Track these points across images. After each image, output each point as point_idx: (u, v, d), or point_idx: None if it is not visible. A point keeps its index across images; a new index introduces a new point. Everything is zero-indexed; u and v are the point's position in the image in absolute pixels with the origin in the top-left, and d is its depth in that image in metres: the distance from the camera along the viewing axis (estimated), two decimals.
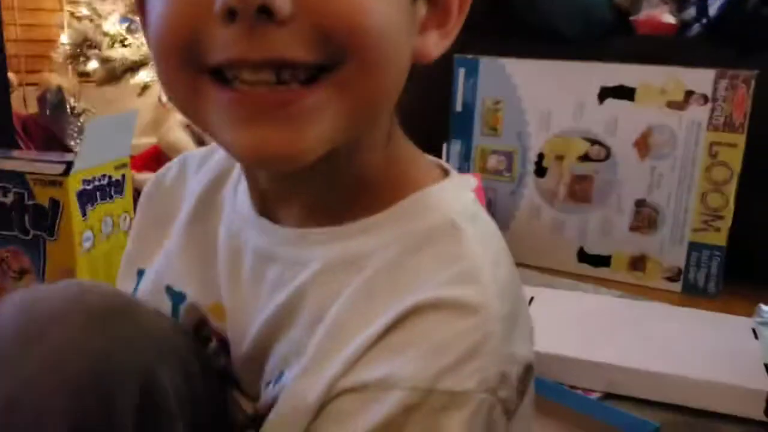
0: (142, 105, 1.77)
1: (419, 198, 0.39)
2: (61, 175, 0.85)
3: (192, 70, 0.33)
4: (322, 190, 0.39)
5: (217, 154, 0.47)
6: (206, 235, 0.45)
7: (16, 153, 0.94)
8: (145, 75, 1.59)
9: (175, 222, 0.47)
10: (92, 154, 0.89)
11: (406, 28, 0.36)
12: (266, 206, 0.42)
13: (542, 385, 0.80)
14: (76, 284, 0.39)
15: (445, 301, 0.34)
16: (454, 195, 0.40)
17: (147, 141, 1.92)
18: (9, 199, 0.87)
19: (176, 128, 1.56)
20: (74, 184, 0.86)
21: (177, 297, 0.45)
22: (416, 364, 0.33)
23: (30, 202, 0.87)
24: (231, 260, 0.43)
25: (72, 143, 1.45)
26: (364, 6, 0.32)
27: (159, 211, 0.49)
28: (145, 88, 1.63)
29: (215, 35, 0.31)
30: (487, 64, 1.38)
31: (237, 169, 0.45)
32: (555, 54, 1.34)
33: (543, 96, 1.34)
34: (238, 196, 0.44)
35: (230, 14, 0.30)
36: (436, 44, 0.39)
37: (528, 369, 0.37)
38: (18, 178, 0.86)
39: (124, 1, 1.60)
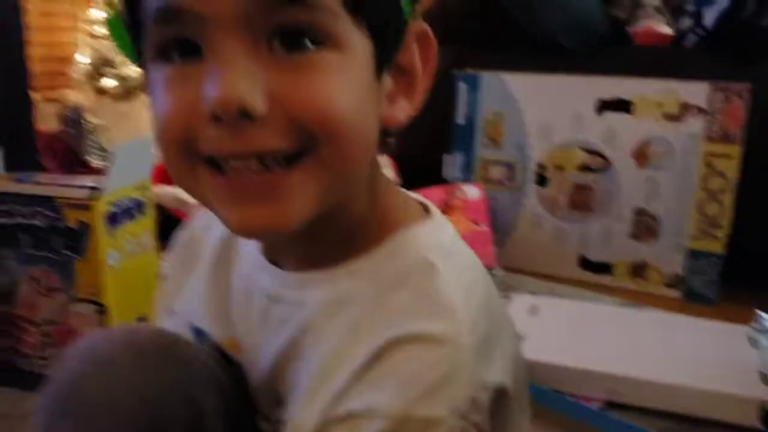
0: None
1: (398, 239, 0.43)
2: (89, 199, 0.90)
3: (189, 158, 0.38)
4: (313, 242, 0.43)
5: None
6: (224, 278, 0.50)
7: (46, 177, 0.99)
8: None
9: (200, 265, 0.52)
10: (118, 178, 0.94)
11: (373, 105, 0.40)
12: (272, 253, 0.47)
13: (543, 394, 0.85)
14: (126, 329, 0.44)
15: (417, 335, 0.38)
16: (430, 233, 0.44)
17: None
18: (41, 222, 0.93)
19: None
20: (102, 207, 0.91)
21: (200, 334, 0.51)
22: (392, 394, 0.37)
23: (60, 225, 0.92)
24: (244, 300, 0.48)
25: (90, 158, 1.51)
26: (330, 97, 0.36)
27: (188, 256, 0.54)
28: None
29: (206, 132, 0.36)
30: (487, 78, 1.43)
31: None
32: (554, 67, 1.38)
33: (542, 109, 1.39)
34: (250, 243, 0.49)
35: (215, 118, 0.35)
36: (403, 110, 0.42)
37: (501, 392, 0.40)
38: (49, 202, 0.92)
39: None
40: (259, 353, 0.46)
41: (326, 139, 0.37)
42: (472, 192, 1.39)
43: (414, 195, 0.48)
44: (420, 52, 0.42)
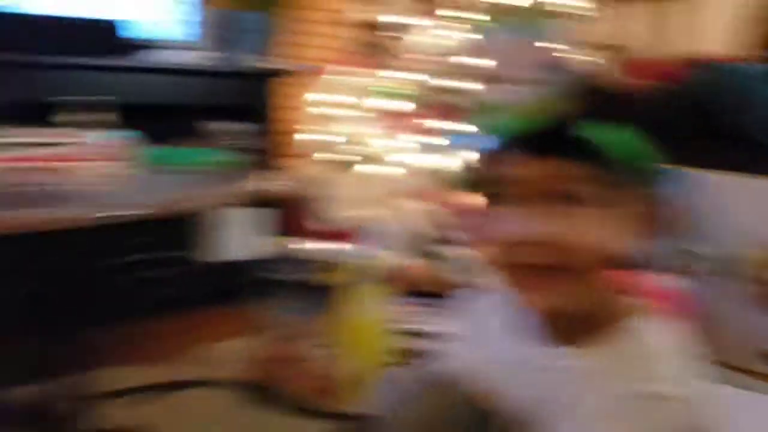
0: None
1: (622, 328, 0.63)
2: (340, 265, 1.09)
3: (506, 262, 0.62)
4: (567, 327, 0.63)
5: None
6: (504, 349, 0.69)
7: (306, 243, 1.21)
8: None
9: (484, 339, 0.71)
10: (363, 250, 1.13)
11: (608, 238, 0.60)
12: (542, 335, 0.66)
13: None
14: (423, 376, 0.70)
15: (656, 393, 0.58)
16: (644, 324, 0.63)
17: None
18: (298, 279, 1.13)
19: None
20: (349, 273, 1.09)
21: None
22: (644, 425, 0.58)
23: (313, 283, 1.11)
24: (520, 367, 0.66)
25: (318, 224, 1.74)
26: (584, 236, 0.59)
27: (476, 332, 0.73)
28: None
29: (515, 250, 0.61)
30: (692, 176, 1.48)
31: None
32: (759, 169, 1.41)
33: (745, 209, 1.41)
34: (524, 327, 0.67)
35: (520, 243, 0.60)
36: (626, 242, 0.61)
37: None
38: (306, 265, 1.12)
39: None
40: (535, 408, 0.63)
41: (578, 259, 0.59)
42: (671, 282, 1.43)
43: (625, 296, 0.66)
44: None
